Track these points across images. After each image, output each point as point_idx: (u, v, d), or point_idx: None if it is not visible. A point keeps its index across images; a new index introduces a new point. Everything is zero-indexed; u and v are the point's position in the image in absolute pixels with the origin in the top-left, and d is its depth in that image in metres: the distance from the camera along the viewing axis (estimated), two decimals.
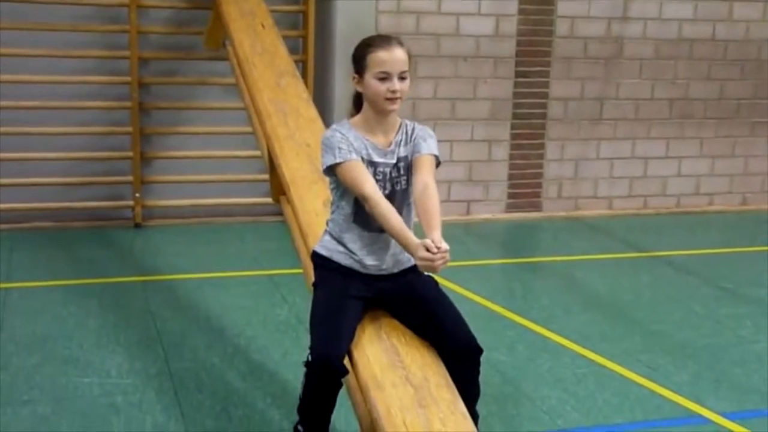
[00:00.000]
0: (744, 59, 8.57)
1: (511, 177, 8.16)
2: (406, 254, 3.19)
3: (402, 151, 3.14)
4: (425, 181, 3.04)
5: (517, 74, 8.00)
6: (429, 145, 3.13)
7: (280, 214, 4.66)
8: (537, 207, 8.32)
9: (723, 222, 8.45)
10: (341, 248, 3.18)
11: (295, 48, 7.28)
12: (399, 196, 3.13)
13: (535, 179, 8.27)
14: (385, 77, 3.03)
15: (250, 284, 5.84)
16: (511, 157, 8.12)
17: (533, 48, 7.99)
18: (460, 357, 3.10)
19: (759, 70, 8.63)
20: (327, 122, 4.75)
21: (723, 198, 8.84)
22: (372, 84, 3.05)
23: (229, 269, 6.18)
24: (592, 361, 4.60)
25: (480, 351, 3.12)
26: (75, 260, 6.34)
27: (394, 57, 3.04)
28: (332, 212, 3.23)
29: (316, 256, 3.28)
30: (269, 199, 4.76)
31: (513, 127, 8.07)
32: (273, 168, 4.33)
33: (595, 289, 5.94)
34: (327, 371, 3.01)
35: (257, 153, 5.85)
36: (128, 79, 7.19)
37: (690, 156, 8.67)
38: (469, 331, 3.12)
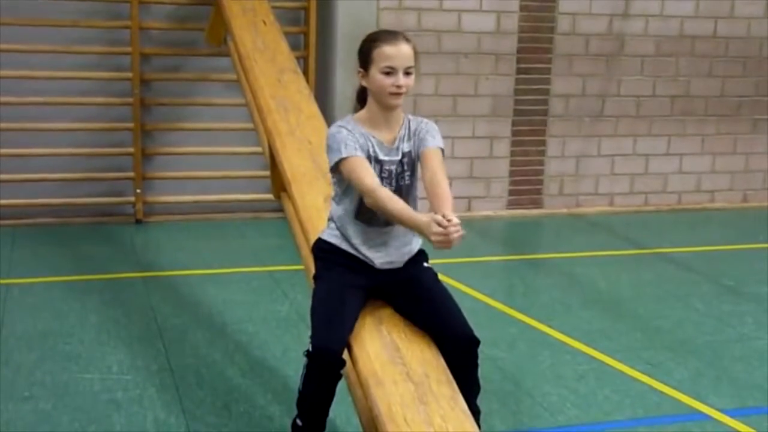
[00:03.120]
0: (745, 56, 8.57)
1: (512, 174, 8.16)
2: (410, 246, 3.23)
3: (405, 147, 3.15)
4: (433, 170, 3.04)
5: (519, 71, 8.00)
6: (434, 139, 3.14)
7: (281, 210, 4.66)
8: (538, 204, 8.32)
9: (724, 219, 8.45)
10: (346, 242, 3.20)
11: (297, 44, 7.28)
12: (404, 192, 3.15)
13: (536, 176, 8.27)
14: (390, 72, 3.04)
15: (251, 280, 5.84)
16: (512, 153, 8.12)
17: (534, 45, 7.98)
18: (457, 348, 3.11)
19: (760, 67, 8.62)
20: (328, 118, 4.76)
21: (724, 195, 8.84)
22: (377, 78, 3.05)
23: (230, 265, 6.19)
24: (593, 358, 4.60)
25: (477, 342, 3.14)
26: (76, 256, 6.34)
27: (400, 52, 3.05)
28: (335, 206, 3.24)
29: (321, 243, 3.28)
30: (270, 196, 4.76)
31: (514, 123, 8.07)
32: (274, 164, 4.33)
33: (595, 286, 5.94)
34: (326, 361, 3.03)
35: (258, 149, 5.85)
36: (130, 75, 7.19)
37: (691, 153, 8.66)
38: (466, 323, 3.13)
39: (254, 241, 7.03)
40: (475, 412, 3.11)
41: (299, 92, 4.71)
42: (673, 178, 8.66)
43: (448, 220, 2.78)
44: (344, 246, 3.20)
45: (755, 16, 8.50)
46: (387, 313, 3.21)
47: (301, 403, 3.23)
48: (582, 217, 8.19)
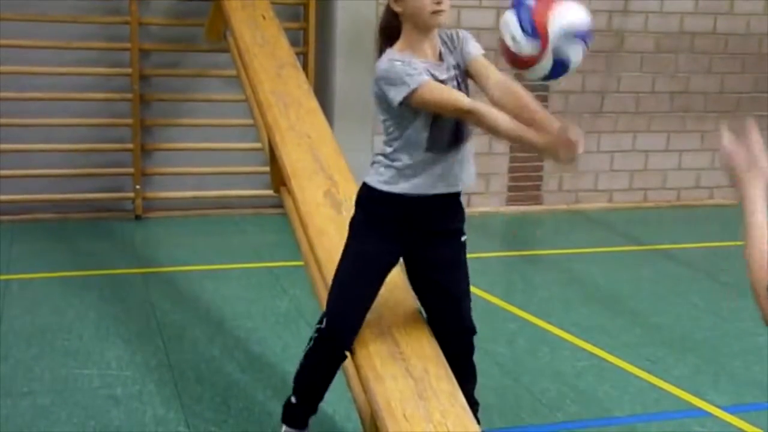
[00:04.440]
0: (745, 53, 8.56)
1: (511, 170, 8.16)
2: (469, 173, 3.08)
3: (452, 60, 2.97)
4: (499, 78, 2.87)
5: None
6: (475, 47, 2.99)
7: (281, 206, 4.66)
8: (537, 200, 8.31)
9: (723, 215, 8.44)
10: (405, 182, 2.96)
11: (296, 40, 7.27)
12: None
13: (536, 172, 8.26)
14: None
15: (250, 276, 5.84)
16: (512, 149, 8.11)
17: None
18: (454, 337, 3.12)
19: (759, 63, 8.62)
20: (327, 114, 4.75)
21: (723, 191, 8.83)
22: None
23: (230, 261, 6.18)
24: (592, 354, 4.60)
25: (473, 332, 3.15)
26: (75, 252, 6.34)
27: None
28: (391, 147, 2.97)
29: (369, 191, 3.04)
30: (270, 191, 4.75)
31: None
32: (273, 159, 4.33)
33: (594, 282, 5.93)
34: (336, 344, 3.04)
35: (257, 145, 5.84)
36: (129, 70, 7.18)
37: (690, 149, 8.66)
38: (469, 318, 3.14)
39: (254, 236, 7.03)
40: (474, 405, 3.12)
41: (299, 87, 4.70)
42: (672, 174, 8.66)
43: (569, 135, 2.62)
44: (397, 189, 2.96)
45: (755, 13, 8.50)
46: (387, 308, 3.20)
47: (299, 378, 3.23)
48: (581, 214, 8.19)
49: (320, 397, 3.23)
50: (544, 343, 4.77)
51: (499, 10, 7.76)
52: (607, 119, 8.34)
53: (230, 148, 7.49)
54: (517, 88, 2.83)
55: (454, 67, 2.97)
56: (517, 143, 2.84)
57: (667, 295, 5.72)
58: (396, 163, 2.96)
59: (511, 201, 8.22)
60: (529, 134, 2.72)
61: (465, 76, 2.99)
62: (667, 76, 8.41)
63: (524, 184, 8.22)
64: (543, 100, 8.08)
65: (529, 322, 5.09)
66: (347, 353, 3.09)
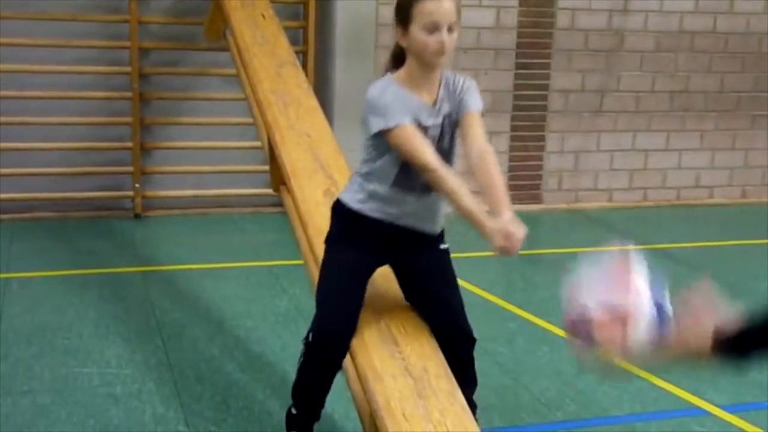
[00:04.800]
0: (745, 52, 8.56)
1: (511, 169, 8.16)
2: (437, 221, 3.11)
3: (446, 108, 2.96)
4: (481, 148, 2.88)
5: (518, 66, 7.99)
6: (476, 100, 2.98)
7: (280, 205, 4.65)
8: (537, 199, 8.31)
9: (723, 215, 8.45)
10: (375, 204, 3.01)
11: (296, 39, 7.27)
12: (443, 156, 2.91)
13: (536, 171, 8.27)
14: (433, 29, 2.82)
15: (249, 275, 5.84)
16: (512, 149, 8.12)
17: (534, 40, 7.97)
18: (450, 345, 3.11)
19: (759, 63, 8.62)
20: (327, 113, 4.75)
21: (723, 191, 8.84)
22: (419, 36, 2.83)
23: (229, 260, 6.18)
24: None
25: (472, 341, 3.14)
26: (75, 251, 6.34)
27: (443, 7, 2.82)
28: (365, 169, 3.03)
29: (341, 208, 3.09)
30: (269, 190, 4.75)
31: (513, 119, 8.07)
32: (273, 158, 4.33)
33: None
34: (332, 351, 3.02)
35: (257, 144, 5.84)
36: (128, 69, 7.18)
37: (690, 148, 8.66)
38: (464, 321, 3.13)
39: (253, 235, 7.03)
40: (472, 407, 3.11)
41: (298, 86, 4.70)
42: (672, 173, 8.66)
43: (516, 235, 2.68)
44: (367, 211, 3.01)
45: (755, 12, 8.50)
46: (386, 306, 3.20)
47: (296, 391, 3.22)
48: (581, 213, 8.19)
49: (321, 405, 3.21)
50: (543, 342, 4.77)
51: (499, 10, 7.78)
52: (607, 118, 8.34)
53: (230, 146, 7.49)
54: (493, 165, 2.87)
55: (446, 116, 2.97)
56: (464, 218, 2.83)
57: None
58: (367, 186, 3.01)
59: (510, 200, 8.20)
60: (480, 216, 2.78)
61: (454, 127, 2.99)
62: (666, 75, 8.41)
63: (524, 183, 8.22)
64: (543, 99, 8.09)
65: (528, 322, 5.09)
66: (343, 361, 3.09)
